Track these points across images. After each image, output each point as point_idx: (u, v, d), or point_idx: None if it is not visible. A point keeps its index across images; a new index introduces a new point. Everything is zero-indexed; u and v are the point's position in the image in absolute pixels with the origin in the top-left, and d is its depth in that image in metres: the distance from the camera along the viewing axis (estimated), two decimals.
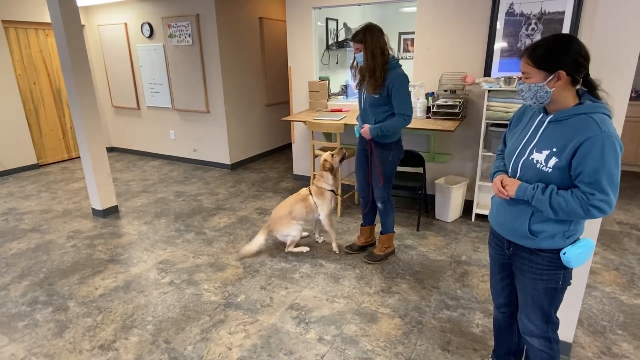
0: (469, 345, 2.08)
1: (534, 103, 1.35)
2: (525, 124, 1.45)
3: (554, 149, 1.29)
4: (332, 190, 3.02)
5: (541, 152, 1.33)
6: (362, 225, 3.08)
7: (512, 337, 1.76)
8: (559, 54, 1.26)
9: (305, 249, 3.09)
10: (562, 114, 1.31)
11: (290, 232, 2.98)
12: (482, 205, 3.69)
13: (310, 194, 3.03)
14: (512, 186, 1.39)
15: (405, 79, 2.48)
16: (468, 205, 3.71)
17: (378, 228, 3.10)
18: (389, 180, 2.74)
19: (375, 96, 2.52)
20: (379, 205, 2.82)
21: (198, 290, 2.62)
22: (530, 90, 1.32)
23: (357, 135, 2.76)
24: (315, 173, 3.07)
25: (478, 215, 3.61)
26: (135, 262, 3.01)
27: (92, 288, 2.68)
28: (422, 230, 3.42)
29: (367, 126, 2.58)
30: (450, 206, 3.53)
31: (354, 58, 2.57)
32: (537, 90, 1.31)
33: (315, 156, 3.86)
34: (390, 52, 2.49)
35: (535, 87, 1.30)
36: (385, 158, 2.67)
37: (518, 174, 1.41)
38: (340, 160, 3.06)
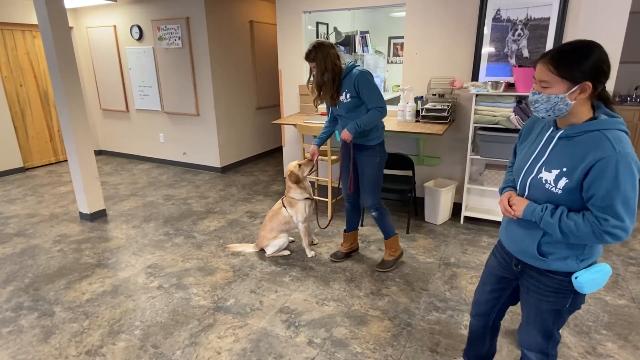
0: (457, 347, 2.10)
1: (549, 116, 1.21)
2: (534, 138, 1.34)
3: (564, 169, 1.19)
4: (306, 198, 2.98)
5: (550, 172, 1.22)
6: (345, 231, 3.03)
7: (483, 345, 1.75)
8: (585, 62, 1.12)
9: (285, 252, 3.07)
10: (574, 129, 1.19)
11: (277, 243, 3.00)
12: (471, 207, 3.73)
13: (284, 205, 3.01)
14: (520, 206, 1.30)
15: (367, 74, 2.50)
16: (457, 208, 3.74)
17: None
18: (378, 185, 2.72)
19: (346, 101, 2.54)
20: (373, 214, 2.78)
21: (187, 295, 2.60)
22: (549, 101, 1.17)
23: (338, 139, 2.76)
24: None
25: (467, 218, 3.65)
26: (123, 266, 2.98)
27: (78, 293, 2.64)
28: (411, 232, 3.44)
29: (344, 130, 2.56)
30: (439, 209, 3.56)
31: (311, 76, 2.62)
32: (556, 102, 1.16)
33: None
34: (344, 64, 2.55)
35: (556, 98, 1.16)
36: (372, 161, 2.66)
37: (526, 193, 1.32)
38: (310, 171, 2.97)
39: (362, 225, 3.60)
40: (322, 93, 2.56)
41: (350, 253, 3.06)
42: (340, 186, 2.88)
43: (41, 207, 4.19)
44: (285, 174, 3.00)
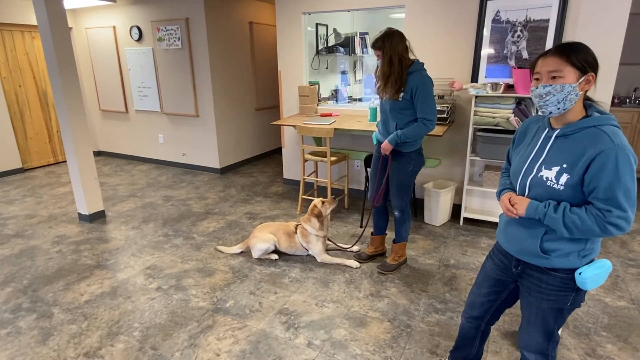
0: None
1: (557, 109, 1.23)
2: (530, 140, 1.38)
3: (564, 165, 1.22)
4: (317, 235, 2.99)
5: (551, 169, 1.26)
6: (372, 234, 3.03)
7: (472, 347, 1.75)
8: (587, 54, 1.20)
9: (274, 256, 3.05)
10: (570, 127, 1.23)
11: (262, 247, 2.99)
12: (470, 209, 3.73)
13: (296, 232, 3.02)
14: (522, 204, 1.32)
15: (429, 81, 2.42)
16: (456, 209, 3.74)
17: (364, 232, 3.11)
18: (407, 190, 2.69)
19: (396, 100, 2.47)
20: (396, 214, 2.76)
21: (186, 296, 2.59)
22: (563, 91, 1.20)
23: (375, 143, 2.74)
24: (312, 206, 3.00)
25: (466, 219, 3.65)
26: (122, 267, 2.97)
27: (77, 294, 2.63)
28: (411, 234, 3.44)
29: (385, 142, 2.53)
30: (438, 210, 3.56)
31: (377, 65, 2.53)
32: (569, 92, 1.19)
33: (305, 160, 3.86)
34: (413, 56, 2.47)
35: (569, 87, 1.19)
36: (405, 168, 2.61)
37: (527, 193, 1.34)
38: (331, 210, 3.02)
39: (361, 227, 3.60)
40: (387, 84, 2.45)
41: (375, 256, 3.04)
42: (368, 191, 2.86)
43: (40, 208, 4.18)
44: (309, 207, 3.01)
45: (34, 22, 5.26)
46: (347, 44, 4.94)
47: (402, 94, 2.45)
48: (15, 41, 5.24)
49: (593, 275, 1.27)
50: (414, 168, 2.63)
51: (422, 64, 2.49)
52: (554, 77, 1.21)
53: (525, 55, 3.26)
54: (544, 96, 1.23)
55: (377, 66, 2.52)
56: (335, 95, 4.86)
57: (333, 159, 3.71)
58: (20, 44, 5.30)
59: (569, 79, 1.20)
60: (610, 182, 1.15)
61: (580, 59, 1.20)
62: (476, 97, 3.23)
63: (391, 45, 2.37)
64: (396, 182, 2.66)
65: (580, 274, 1.28)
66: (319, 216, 2.95)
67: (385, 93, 2.50)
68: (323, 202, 2.99)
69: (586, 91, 1.25)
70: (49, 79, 3.59)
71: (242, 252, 3.14)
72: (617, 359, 2.01)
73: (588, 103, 1.27)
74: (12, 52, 5.22)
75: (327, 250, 3.09)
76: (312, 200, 3.13)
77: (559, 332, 1.56)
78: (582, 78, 1.20)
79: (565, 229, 1.23)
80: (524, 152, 1.38)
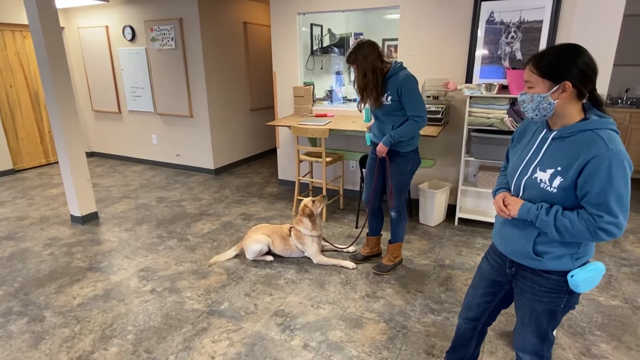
0: None
1: (536, 115, 1.27)
2: (528, 140, 1.38)
3: (559, 168, 1.22)
4: (312, 236, 2.98)
5: (545, 171, 1.26)
6: (367, 234, 3.03)
7: (468, 348, 1.75)
8: (566, 63, 1.19)
9: (269, 257, 3.03)
10: (567, 130, 1.23)
11: (255, 249, 2.97)
12: (465, 209, 3.74)
13: (290, 234, 3.01)
14: (515, 205, 1.32)
15: (412, 79, 2.44)
16: (451, 210, 3.75)
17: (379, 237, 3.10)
18: (404, 190, 2.69)
19: (386, 103, 2.48)
20: (393, 214, 2.76)
21: (180, 298, 2.57)
22: (533, 100, 1.24)
23: (368, 144, 2.74)
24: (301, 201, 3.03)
25: (461, 220, 3.66)
26: (115, 269, 2.94)
27: (69, 297, 2.60)
28: (406, 234, 3.43)
29: (380, 144, 2.54)
30: (433, 210, 3.56)
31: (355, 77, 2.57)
32: (539, 101, 1.23)
33: (300, 161, 3.85)
34: (390, 59, 2.49)
35: (539, 97, 1.23)
36: (403, 168, 2.62)
37: (521, 194, 1.34)
38: (322, 208, 3.04)
39: (357, 227, 3.60)
40: (364, 95, 2.49)
41: (371, 257, 3.03)
42: (364, 192, 2.85)
43: (31, 210, 4.13)
44: (299, 207, 3.03)
45: (25, 21, 5.19)
46: (341, 44, 4.94)
47: (389, 97, 2.48)
48: (6, 40, 5.17)
49: (585, 278, 1.26)
50: (412, 168, 2.64)
51: (401, 63, 2.50)
52: (528, 87, 1.26)
53: (519, 56, 3.28)
54: (522, 103, 1.29)
55: (354, 78, 2.56)
56: (330, 95, 4.85)
57: (328, 159, 3.70)
58: (11, 43, 5.23)
59: (538, 89, 1.23)
60: (602, 187, 1.14)
61: (553, 69, 1.19)
62: (470, 97, 3.24)
63: (363, 57, 2.41)
64: (394, 183, 2.66)
65: (572, 276, 1.28)
66: (311, 216, 2.95)
67: (368, 102, 2.54)
68: (313, 202, 2.99)
69: (588, 95, 1.23)
70: (40, 79, 3.54)
71: (237, 254, 3.11)
72: (612, 358, 2.02)
73: (588, 106, 1.26)
74: (2, 52, 5.15)
75: (323, 251, 3.08)
76: None
77: (554, 332, 1.56)
78: (556, 87, 1.20)
79: (557, 232, 1.23)
80: (521, 153, 1.38)
